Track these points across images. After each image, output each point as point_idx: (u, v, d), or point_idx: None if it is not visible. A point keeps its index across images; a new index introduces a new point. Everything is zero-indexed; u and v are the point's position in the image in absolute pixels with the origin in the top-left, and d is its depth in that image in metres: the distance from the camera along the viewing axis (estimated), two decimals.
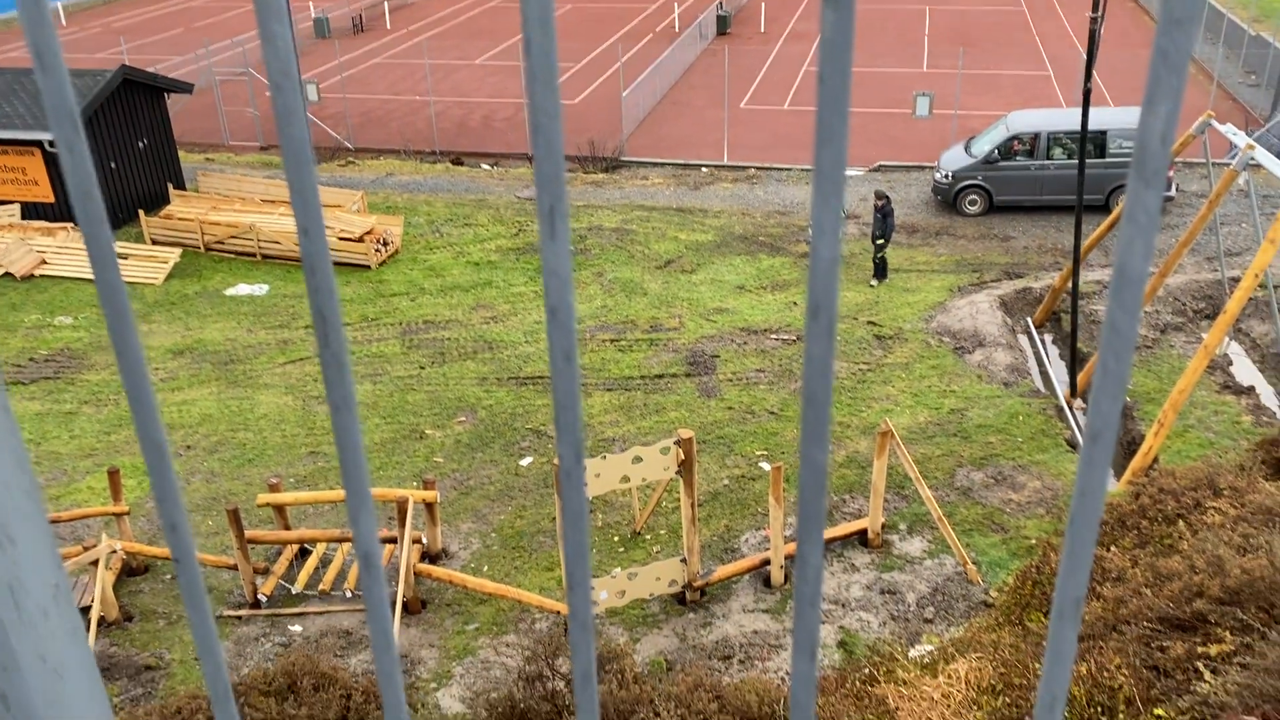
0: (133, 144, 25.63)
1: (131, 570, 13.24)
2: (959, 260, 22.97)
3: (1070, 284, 17.15)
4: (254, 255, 23.91)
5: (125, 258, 23.55)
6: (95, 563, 11.92)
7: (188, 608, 0.71)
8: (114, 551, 12.51)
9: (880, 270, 21.64)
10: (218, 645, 0.72)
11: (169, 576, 13.26)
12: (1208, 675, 7.76)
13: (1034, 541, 12.68)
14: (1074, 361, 16.98)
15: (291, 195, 0.58)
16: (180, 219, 24.50)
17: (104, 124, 24.58)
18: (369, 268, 23.24)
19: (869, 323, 19.83)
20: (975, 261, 22.84)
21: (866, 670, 9.84)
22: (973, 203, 25.24)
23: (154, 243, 24.32)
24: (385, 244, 23.83)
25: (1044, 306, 19.92)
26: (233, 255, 24.06)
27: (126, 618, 12.45)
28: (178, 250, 23.81)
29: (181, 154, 28.30)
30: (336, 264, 23.42)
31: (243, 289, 22.57)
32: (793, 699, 0.63)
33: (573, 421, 0.59)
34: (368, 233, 23.63)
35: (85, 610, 12.21)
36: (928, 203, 26.30)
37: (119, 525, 13.07)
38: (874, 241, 21.49)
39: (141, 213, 24.50)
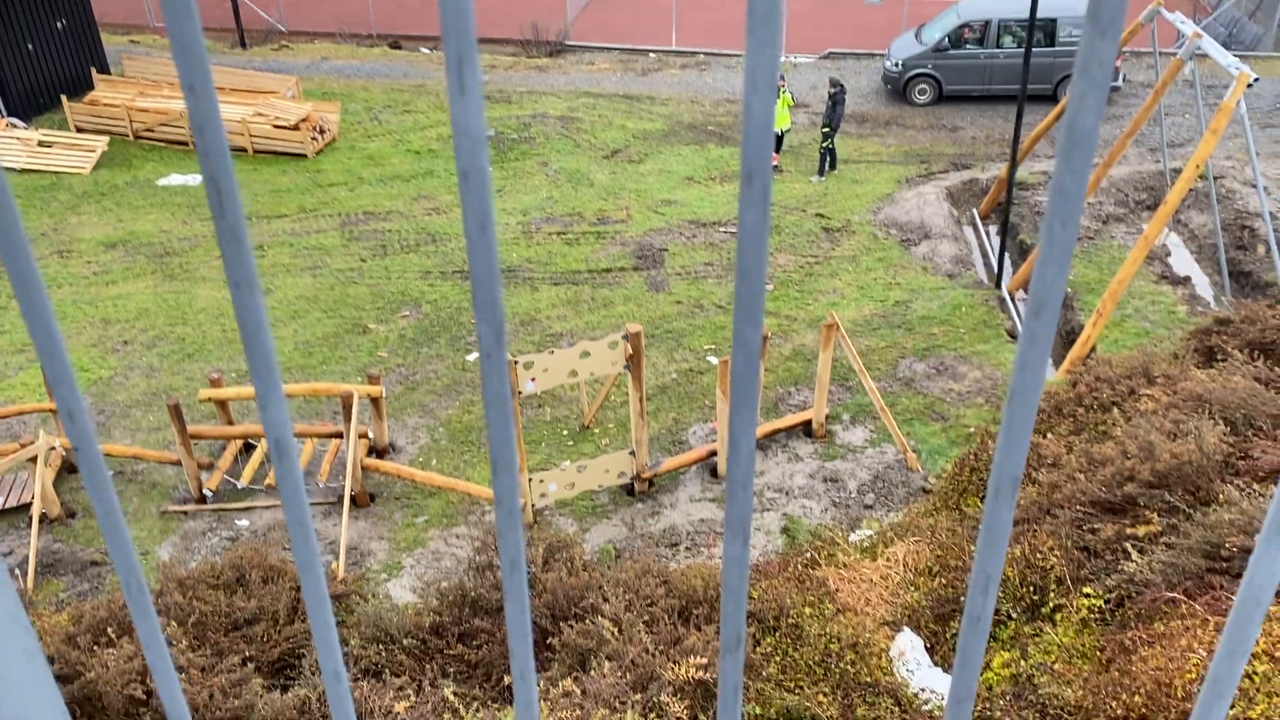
0: (50, 24, 24.34)
1: (72, 467, 13.08)
2: (907, 151, 22.91)
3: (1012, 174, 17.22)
4: (186, 144, 23.09)
5: (49, 145, 22.61)
6: (33, 460, 11.74)
7: (91, 497, 0.68)
8: (53, 448, 12.32)
9: (828, 160, 21.51)
10: (126, 532, 0.68)
11: (110, 473, 13.11)
12: (1135, 555, 8.10)
13: (973, 430, 13.01)
14: (1003, 252, 17.17)
15: (174, 49, 0.53)
16: (106, 105, 23.49)
17: (18, 3, 23.27)
18: (305, 156, 22.58)
19: (817, 215, 19.80)
20: (923, 152, 22.80)
21: (808, 554, 10.13)
22: (922, 92, 25.06)
23: (79, 130, 23.35)
24: (322, 132, 23.13)
25: (990, 198, 20.03)
26: (164, 144, 23.21)
27: (69, 514, 12.35)
28: (105, 138, 22.89)
29: (104, 35, 26.95)
30: (271, 153, 22.73)
31: (176, 179, 21.85)
32: (724, 581, 0.62)
33: (491, 299, 0.55)
34: (303, 120, 22.88)
35: (25, 507, 12.09)
36: (878, 92, 26.06)
37: (56, 422, 12.85)
38: (822, 130, 21.30)
39: (64, 98, 23.44)
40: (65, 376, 0.65)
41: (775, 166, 21.55)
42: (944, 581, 9.26)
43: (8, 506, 12.28)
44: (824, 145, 21.34)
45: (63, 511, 12.28)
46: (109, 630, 8.01)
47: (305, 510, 0.66)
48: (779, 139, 21.40)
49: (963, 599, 8.85)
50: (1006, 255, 18.99)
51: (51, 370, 0.64)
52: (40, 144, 22.53)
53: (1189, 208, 19.32)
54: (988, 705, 7.95)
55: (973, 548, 9.43)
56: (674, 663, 7.56)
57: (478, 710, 7.39)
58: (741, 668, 0.65)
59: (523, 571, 0.65)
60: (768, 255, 0.53)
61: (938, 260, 18.05)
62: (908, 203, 20.15)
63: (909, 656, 8.56)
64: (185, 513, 12.44)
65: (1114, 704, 7.15)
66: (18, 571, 11.41)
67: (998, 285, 17.13)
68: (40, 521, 11.76)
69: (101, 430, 14.06)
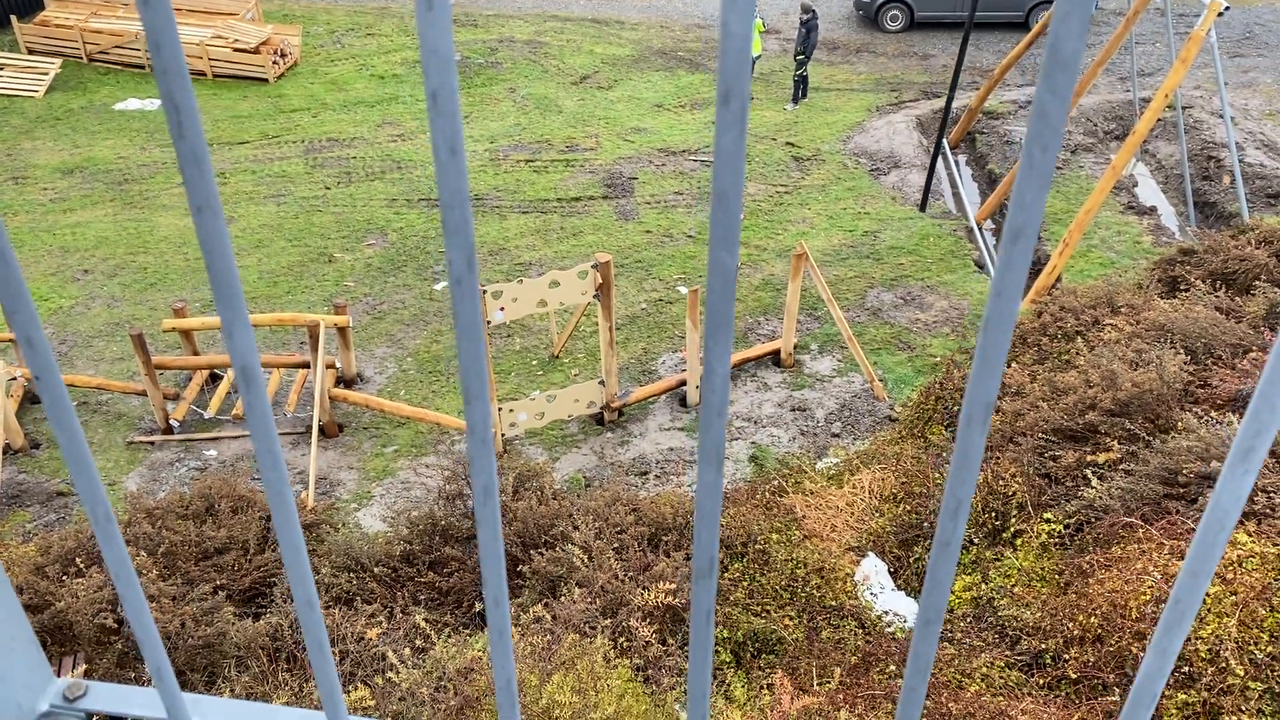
0: None
1: (34, 398, 12.93)
2: (878, 79, 22.72)
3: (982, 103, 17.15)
4: (143, 67, 22.44)
5: (1, 68, 21.89)
6: None
7: (53, 425, 0.67)
8: (14, 379, 12.16)
9: (800, 88, 21.29)
10: (90, 461, 0.67)
11: (75, 403, 12.98)
12: (1095, 482, 8.27)
13: (938, 359, 13.14)
14: (930, 177, 17.17)
15: None
16: (58, 26, 22.72)
17: None
18: (266, 81, 22.03)
19: (787, 144, 19.66)
20: (894, 80, 22.62)
21: (776, 482, 10.26)
22: (894, 19, 24.77)
23: (30, 52, 22.61)
24: (283, 55, 22.55)
25: (959, 127, 19.96)
26: (120, 67, 22.55)
27: (33, 445, 12.24)
28: (58, 60, 22.18)
29: None
30: (231, 77, 22.16)
31: (133, 104, 21.27)
32: (698, 508, 0.62)
33: (462, 223, 0.54)
34: (264, 43, 22.28)
35: None
36: (849, 18, 25.73)
37: (15, 352, 12.66)
38: (795, 57, 21.05)
39: (14, 19, 22.64)
40: (23, 303, 0.63)
41: None
42: (908, 508, 9.44)
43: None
44: (797, 73, 21.10)
45: (26, 442, 12.17)
46: (77, 560, 8.01)
47: (274, 439, 0.65)
48: (750, 66, 21.10)
49: (927, 525, 9.03)
50: (957, 185, 18.98)
51: (7, 297, 0.63)
52: None
53: (1157, 138, 19.38)
54: (949, 627, 8.16)
55: (937, 475, 9.60)
56: (643, 588, 7.68)
57: (449, 636, 7.48)
58: (714, 593, 0.66)
59: (495, 499, 0.66)
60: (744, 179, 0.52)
61: (907, 190, 18.03)
62: (878, 131, 20.05)
63: (873, 581, 8.75)
64: (152, 443, 12.37)
65: (1070, 625, 7.36)
66: None
67: (921, 208, 17.17)
68: (4, 453, 11.65)
69: (64, 360, 13.88)
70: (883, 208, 17.43)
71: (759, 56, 21.76)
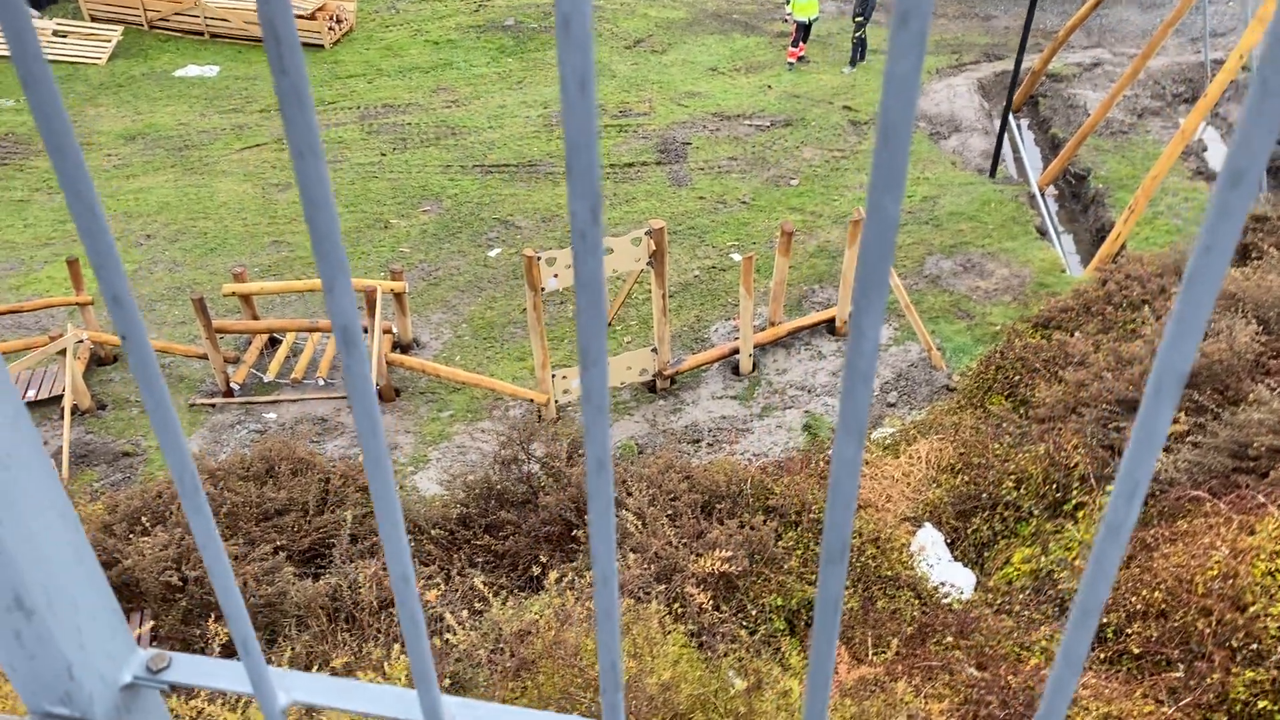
0: None
1: (100, 360, 13.21)
2: (938, 40, 22.21)
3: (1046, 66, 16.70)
4: (202, 34, 22.65)
5: (65, 35, 22.23)
6: (62, 353, 11.85)
7: (141, 388, 0.63)
8: (81, 341, 12.42)
9: (859, 51, 20.89)
10: (176, 422, 0.64)
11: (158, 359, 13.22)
12: (1160, 454, 8.07)
13: (999, 328, 12.89)
14: (1000, 142, 16.75)
15: None
16: None
17: None
18: (323, 47, 22.13)
19: (844, 107, 19.33)
20: (955, 42, 22.10)
21: (830, 451, 10.16)
22: None
23: (93, 19, 22.92)
24: (339, 21, 22.61)
25: (1022, 90, 19.46)
26: (179, 34, 22.78)
27: (100, 406, 12.52)
28: (120, 28, 22.47)
29: None
30: None
31: (192, 70, 21.49)
32: (833, 485, 0.57)
33: (588, 169, 0.49)
34: (319, 9, 22.35)
35: (57, 399, 12.25)
36: None
37: (84, 315, 12.92)
38: (854, 19, 20.64)
39: None
40: (110, 259, 0.59)
41: (801, 57, 20.97)
42: (966, 479, 9.29)
43: (39, 399, 12.44)
44: (856, 35, 20.70)
45: (93, 403, 12.44)
46: (143, 519, 8.18)
47: (372, 399, 0.61)
48: (806, 28, 20.75)
49: (985, 496, 8.89)
50: (1019, 150, 18.54)
51: (95, 253, 0.59)
52: (55, 34, 22.15)
53: (1228, 101, 18.73)
54: (1007, 599, 8.05)
55: (996, 446, 9.43)
56: (697, 555, 7.66)
57: (505, 599, 7.54)
58: (844, 579, 0.61)
59: (609, 471, 0.61)
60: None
61: (968, 155, 17.65)
62: (938, 95, 19.62)
63: (930, 551, 8.65)
64: (213, 405, 12.58)
65: (1134, 599, 7.22)
66: (52, 460, 11.61)
67: (991, 174, 16.77)
68: (72, 413, 11.93)
69: None
70: (942, 173, 17.09)
71: (816, 19, 21.36)
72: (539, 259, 10.70)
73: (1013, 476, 8.84)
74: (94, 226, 0.57)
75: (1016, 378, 10.56)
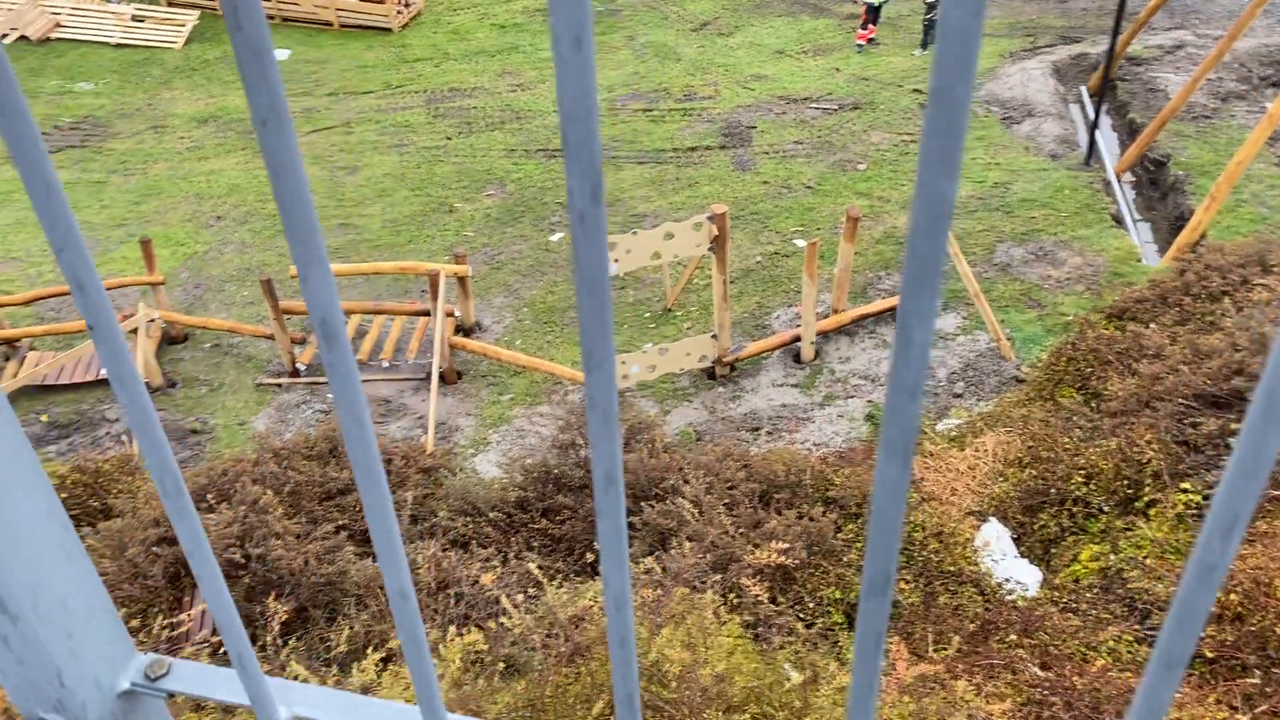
0: None
1: (171, 339, 13.50)
2: (1012, 23, 21.65)
3: (1124, 48, 16.17)
4: (274, 18, 22.96)
5: (142, 20, 22.72)
6: (134, 331, 12.12)
7: (114, 384, 0.57)
8: (153, 320, 12.70)
9: (930, 33, 20.45)
10: (156, 423, 0.58)
11: (207, 345, 13.51)
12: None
13: (1071, 318, 12.55)
14: (1095, 128, 16.24)
15: None
16: None
17: None
18: (391, 31, 22.30)
19: (914, 90, 18.94)
20: (1030, 24, 21.52)
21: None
22: None
23: (170, 4, 23.38)
24: (407, 5, 22.76)
25: (1099, 73, 18.86)
26: None
27: (170, 384, 12.80)
28: (195, 13, 22.90)
29: None
30: (357, 27, 22.49)
31: None
32: (876, 509, 0.50)
33: (587, 138, 0.42)
34: None
35: None
36: None
37: (155, 294, 13.21)
38: (925, 1, 20.20)
39: None
40: (73, 242, 0.54)
41: (871, 39, 20.60)
42: (1034, 473, 9.05)
43: (103, 377, 12.75)
44: (928, 16, 20.25)
45: (164, 381, 12.72)
46: (208, 496, 8.32)
47: (362, 407, 0.55)
48: (876, 11, 20.37)
49: (1054, 491, 8.66)
50: (1101, 134, 17.99)
51: (55, 235, 0.54)
52: (134, 19, 22.65)
53: None
54: (1074, 597, 7.83)
55: (1066, 440, 9.18)
56: (754, 546, 7.58)
57: (560, 584, 7.53)
58: (887, 612, 0.53)
59: (619, 487, 0.54)
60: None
61: (1041, 140, 17.19)
62: (1011, 78, 19.13)
63: (994, 547, 8.45)
64: (279, 385, 12.79)
65: None
66: (124, 438, 11.92)
67: (1086, 161, 16.28)
68: None
69: (198, 303, 14.43)
70: (1014, 158, 16.67)
71: (885, 2, 20.96)
72: None
73: (1082, 471, 8.58)
74: (55, 207, 0.52)
75: (1088, 370, 10.26)
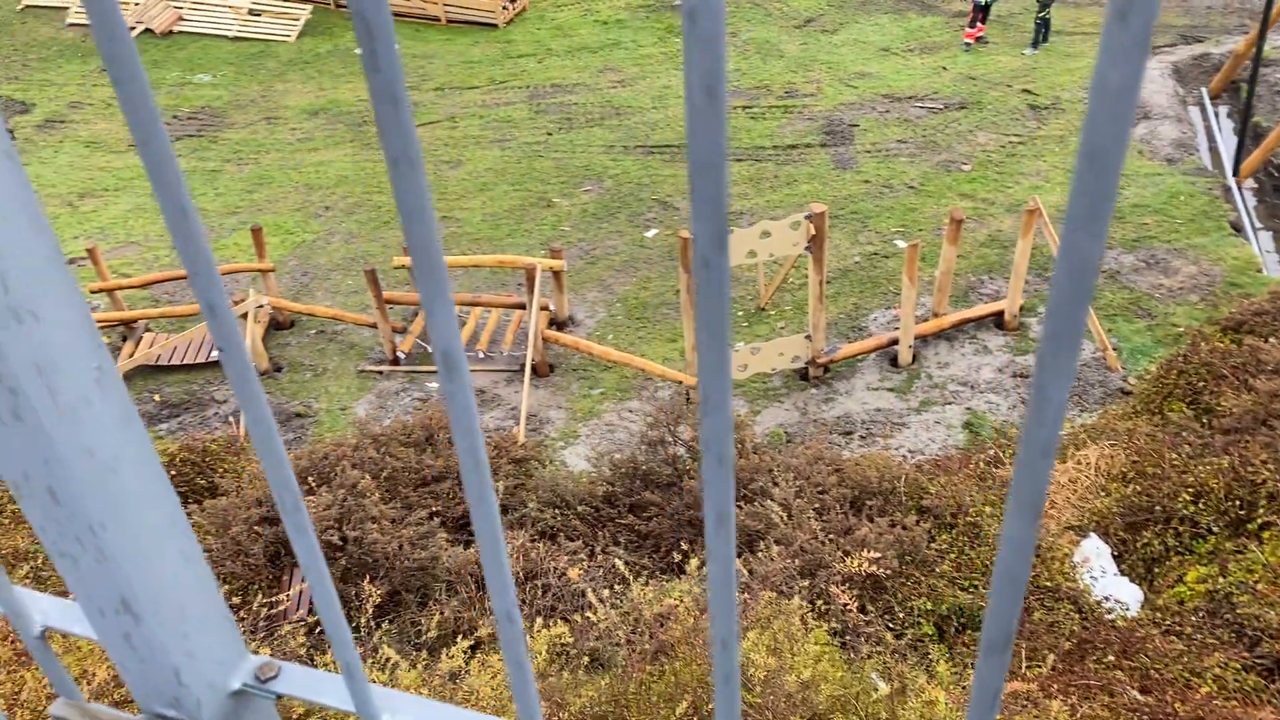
0: None
1: (278, 324, 13.94)
2: None
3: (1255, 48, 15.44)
4: None
5: (258, 14, 23.48)
6: (244, 316, 12.55)
7: (241, 403, 0.59)
8: (261, 305, 13.13)
9: (1041, 32, 19.86)
10: (278, 440, 0.60)
11: (313, 331, 13.92)
12: None
13: (1183, 329, 12.07)
14: (1244, 134, 15.53)
15: None
16: None
17: None
18: (496, 26, 22.62)
19: (1023, 91, 18.44)
20: None
21: (992, 451, 9.75)
22: None
23: None
24: (513, 1, 23.05)
25: (1222, 75, 18.09)
26: None
27: (276, 368, 13.22)
28: (309, 7, 23.58)
29: None
30: (463, 22, 22.87)
31: None
32: (1001, 569, 0.48)
33: (717, 189, 0.41)
34: None
35: None
36: None
37: (264, 281, 13.66)
38: None
39: None
40: (206, 267, 0.55)
41: (980, 38, 20.12)
42: (1139, 489, 8.74)
43: (215, 359, 13.24)
44: (1040, 15, 19.68)
45: (270, 365, 13.15)
46: (309, 479, 8.57)
47: (478, 439, 0.55)
48: (985, 9, 19.87)
49: (1159, 509, 8.35)
50: (1215, 139, 17.23)
51: (189, 260, 0.56)
52: (250, 13, 23.43)
53: None
54: (1178, 620, 7.54)
55: (1173, 455, 8.83)
56: (844, 553, 7.48)
57: (646, 581, 7.56)
58: (1005, 670, 0.51)
59: (731, 528, 0.54)
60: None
61: (1156, 144, 16.56)
62: None
63: (1094, 563, 8.19)
64: (380, 373, 13.10)
65: None
66: (231, 419, 12.36)
67: (1234, 170, 15.58)
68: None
69: (305, 291, 14.87)
70: (1127, 162, 16.09)
71: (995, 0, 20.45)
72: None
73: (1191, 489, 8.25)
74: (185, 226, 0.54)
75: (1200, 384, 9.86)
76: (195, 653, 0.77)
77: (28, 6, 24.68)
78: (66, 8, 24.22)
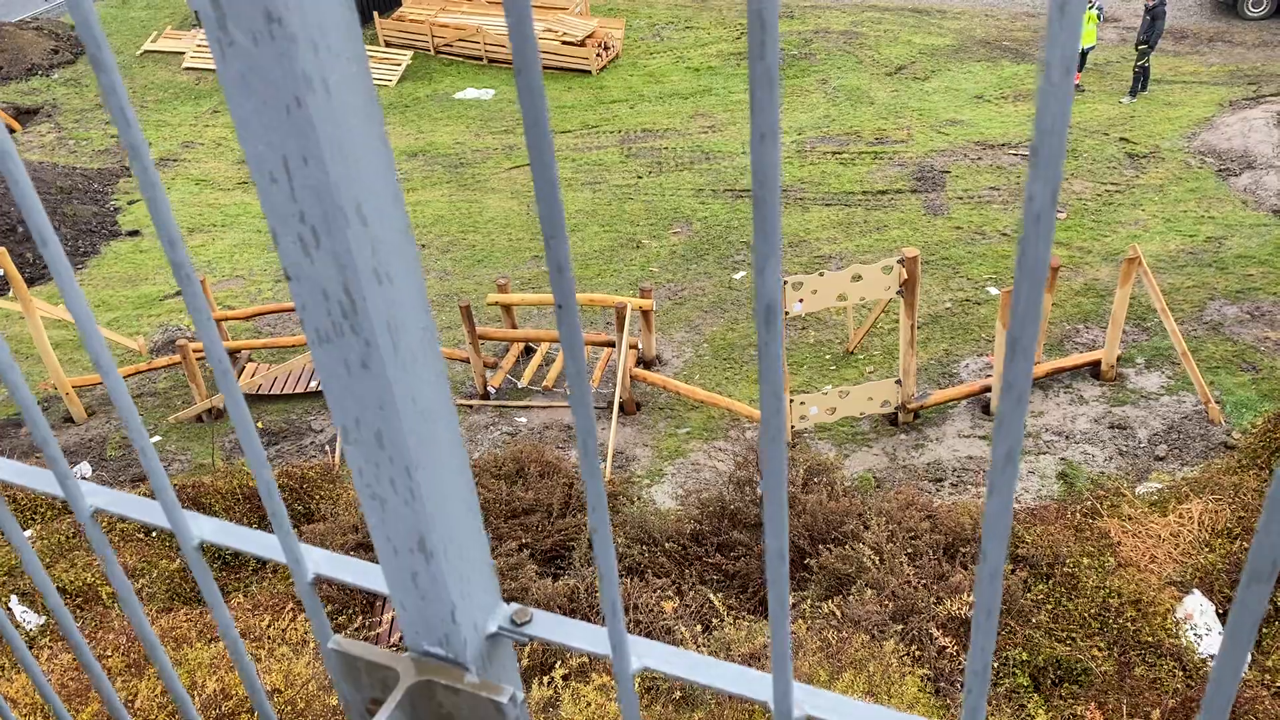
0: None
1: None
2: (1233, 70, 20.47)
3: None
4: (481, 59, 24.21)
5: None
6: None
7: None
8: None
9: (1140, 81, 19.58)
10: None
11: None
12: None
13: None
14: None
15: None
16: (412, 21, 24.97)
17: None
18: (590, 73, 23.11)
19: (1121, 139, 18.16)
20: (1253, 72, 20.29)
21: (1088, 503, 9.53)
22: (1256, 4, 22.20)
23: (387, 44, 25.00)
24: (606, 48, 23.55)
25: None
26: (461, 59, 24.45)
27: None
28: (409, 53, 24.40)
29: None
30: (558, 69, 23.43)
31: (470, 93, 23.01)
32: (1229, 630, 0.54)
33: (1055, 154, 0.49)
34: (589, 36, 23.37)
35: (318, 394, 13.36)
36: (1202, 4, 23.36)
37: None
38: (1136, 47, 19.38)
39: (376, 14, 25.11)
40: (558, 228, 0.65)
41: (1077, 85, 19.91)
42: (1245, 545, 8.46)
43: (314, 389, 13.64)
44: (1138, 64, 19.41)
45: None
46: None
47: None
48: (1083, 56, 19.68)
49: None
50: None
51: (549, 222, 0.64)
52: None
53: None
54: None
55: None
56: (937, 599, 7.38)
57: (736, 620, 7.55)
58: (1266, 601, 0.58)
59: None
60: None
61: (1262, 194, 16.13)
62: (1230, 128, 18.06)
63: (1198, 620, 7.93)
64: (471, 406, 13.35)
65: None
66: (328, 448, 12.70)
67: None
68: None
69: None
70: (1230, 212, 15.70)
71: (1091, 48, 20.22)
72: (786, 283, 10.69)
73: None
74: (552, 197, 0.63)
75: None
76: (468, 594, 0.86)
77: (147, 52, 26.00)
78: (183, 52, 25.46)
